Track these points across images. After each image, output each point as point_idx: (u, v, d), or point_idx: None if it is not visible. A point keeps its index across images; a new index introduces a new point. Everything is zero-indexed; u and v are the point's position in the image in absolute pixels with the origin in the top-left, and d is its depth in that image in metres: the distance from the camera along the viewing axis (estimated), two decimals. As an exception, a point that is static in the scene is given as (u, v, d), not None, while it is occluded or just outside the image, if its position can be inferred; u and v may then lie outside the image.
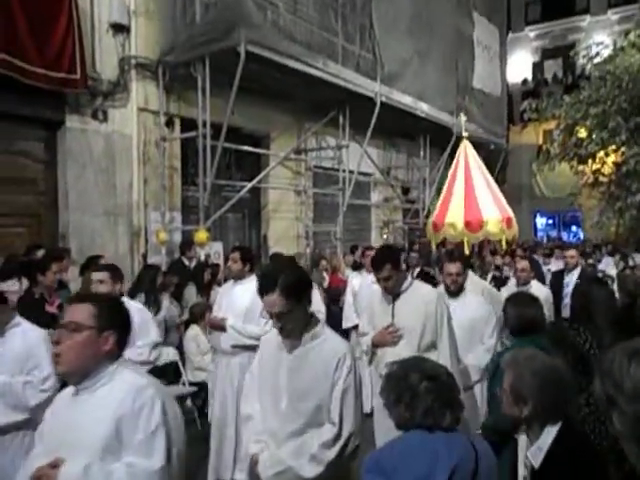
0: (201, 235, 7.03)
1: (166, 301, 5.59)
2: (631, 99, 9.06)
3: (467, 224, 6.19)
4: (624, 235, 11.51)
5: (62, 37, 5.97)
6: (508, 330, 3.16)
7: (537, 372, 1.86)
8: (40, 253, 5.08)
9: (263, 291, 2.24)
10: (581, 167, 10.51)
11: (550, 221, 20.06)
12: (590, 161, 10.24)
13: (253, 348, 3.86)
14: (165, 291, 5.66)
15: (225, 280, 5.52)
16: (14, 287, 4.32)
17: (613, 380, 1.13)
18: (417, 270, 7.64)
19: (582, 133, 10.05)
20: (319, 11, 8.64)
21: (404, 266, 6.98)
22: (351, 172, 9.86)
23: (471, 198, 6.37)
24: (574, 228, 19.32)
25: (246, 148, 8.27)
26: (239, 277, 4.25)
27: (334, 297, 7.05)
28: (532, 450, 1.88)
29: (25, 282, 4.31)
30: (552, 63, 18.65)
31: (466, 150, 6.89)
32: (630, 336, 2.69)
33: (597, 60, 9.97)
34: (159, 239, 7.21)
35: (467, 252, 6.38)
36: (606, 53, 10.01)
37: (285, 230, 9.56)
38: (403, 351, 3.13)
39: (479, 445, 1.79)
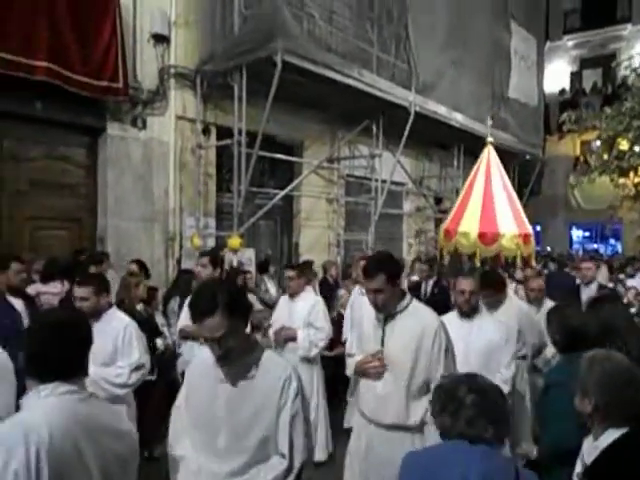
0: (234, 241, 7.12)
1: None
2: (675, 111, 8.81)
3: (481, 236, 5.80)
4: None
5: (105, 47, 6.16)
6: (554, 347, 3.02)
7: (605, 370, 1.88)
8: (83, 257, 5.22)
9: (201, 315, 1.89)
10: (622, 180, 10.24)
11: (587, 233, 19.57)
12: (632, 174, 9.97)
13: None
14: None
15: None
16: (55, 289, 4.46)
17: None
18: (431, 282, 7.20)
19: (624, 145, 9.79)
20: (355, 21, 8.69)
21: (406, 283, 6.63)
22: (384, 181, 9.83)
23: (488, 208, 5.98)
24: (612, 241, 18.80)
25: (280, 156, 8.35)
26: None
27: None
28: (589, 447, 1.89)
29: (67, 284, 4.43)
30: (591, 73, 18.27)
31: (489, 156, 6.48)
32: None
33: None
34: (193, 244, 7.32)
35: (479, 264, 6.00)
36: (649, 64, 9.77)
37: (317, 238, 9.58)
38: (386, 390, 2.72)
39: (524, 473, 1.74)
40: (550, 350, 4.23)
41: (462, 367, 3.03)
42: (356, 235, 10.21)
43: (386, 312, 2.76)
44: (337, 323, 5.70)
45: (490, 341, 3.40)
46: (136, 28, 6.79)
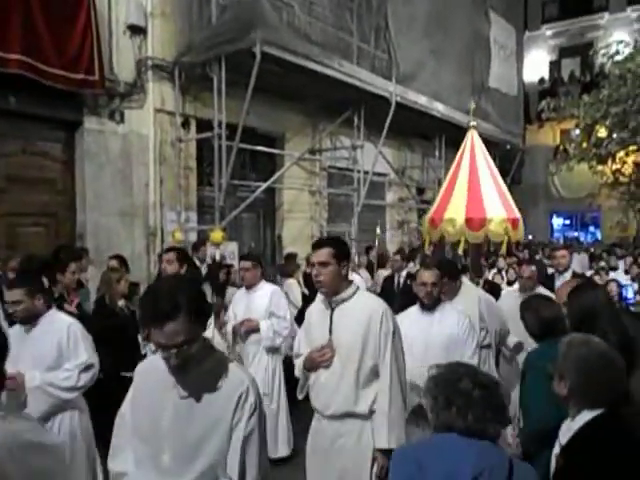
0: (217, 235, 7.07)
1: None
2: (652, 98, 8.93)
3: (468, 221, 5.56)
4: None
5: (80, 39, 6.04)
6: (529, 335, 3.08)
7: (580, 354, 1.91)
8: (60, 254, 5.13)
9: (161, 319, 1.67)
10: (600, 167, 10.36)
11: (567, 222, 19.83)
12: (610, 161, 10.09)
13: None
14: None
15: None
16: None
17: None
18: (404, 273, 7.19)
19: (602, 133, 9.90)
20: (334, 11, 8.63)
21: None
22: (366, 172, 9.83)
23: (475, 192, 5.74)
24: (592, 229, 19.07)
25: (261, 148, 8.29)
26: None
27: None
28: (564, 428, 1.92)
29: (45, 282, 4.35)
30: (569, 62, 18.43)
31: (473, 140, 6.22)
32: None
33: (618, 58, 9.80)
34: (175, 239, 7.25)
35: (461, 252, 5.86)
36: (627, 51, 9.83)
37: (300, 230, 9.57)
38: (336, 378, 2.68)
39: (517, 463, 1.73)
40: (513, 338, 4.31)
41: (423, 361, 3.00)
42: (339, 227, 10.20)
43: (331, 294, 2.70)
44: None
45: (451, 334, 3.33)
46: (111, 19, 6.66)
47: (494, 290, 5.60)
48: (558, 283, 5.49)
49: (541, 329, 2.83)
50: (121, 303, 4.81)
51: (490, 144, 13.56)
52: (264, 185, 8.11)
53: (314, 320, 2.86)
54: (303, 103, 9.00)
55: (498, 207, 5.71)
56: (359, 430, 2.69)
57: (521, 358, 4.34)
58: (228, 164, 7.13)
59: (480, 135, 12.29)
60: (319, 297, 2.85)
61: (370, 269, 8.26)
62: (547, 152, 17.53)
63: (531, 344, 4.43)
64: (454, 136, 11.83)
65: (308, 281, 7.07)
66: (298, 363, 2.93)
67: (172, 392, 1.78)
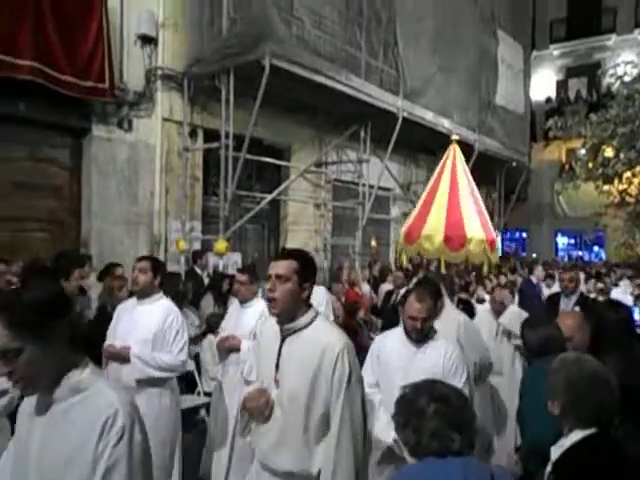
0: (220, 245, 7.06)
1: (187, 310, 5.60)
2: (660, 119, 8.94)
3: (447, 240, 5.17)
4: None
5: (91, 47, 6.10)
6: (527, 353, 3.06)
7: (572, 373, 1.89)
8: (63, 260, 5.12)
9: None
10: (607, 187, 10.35)
11: (572, 241, 19.78)
12: (616, 181, 10.08)
13: (162, 383, 3.43)
14: (184, 299, 5.66)
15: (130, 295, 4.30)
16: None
17: None
18: (402, 291, 7.01)
19: (609, 152, 9.90)
20: (344, 26, 8.70)
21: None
22: (371, 186, 9.84)
23: (455, 209, 5.40)
24: (596, 248, 19.00)
25: (267, 160, 8.32)
26: (146, 293, 3.51)
27: (351, 311, 6.99)
28: (557, 446, 1.90)
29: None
30: (576, 81, 18.52)
31: (455, 154, 5.91)
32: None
33: (626, 79, 9.85)
34: (179, 248, 7.25)
35: (443, 271, 5.45)
36: (635, 72, 9.88)
37: (304, 242, 9.54)
38: (280, 428, 2.20)
39: (499, 476, 1.72)
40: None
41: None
42: (343, 240, 10.19)
43: (284, 319, 2.24)
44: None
45: (434, 371, 2.84)
46: (123, 29, 6.73)
47: (468, 310, 5.31)
48: (563, 305, 5.32)
49: (540, 347, 2.81)
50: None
51: (496, 161, 13.64)
52: (269, 197, 8.12)
53: (263, 345, 2.40)
54: (310, 116, 9.05)
55: (477, 227, 5.40)
56: None
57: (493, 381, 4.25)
58: (234, 175, 7.15)
59: (486, 152, 12.44)
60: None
61: (373, 283, 8.23)
62: (553, 170, 17.53)
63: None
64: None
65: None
66: (243, 395, 2.45)
67: (37, 415, 1.56)
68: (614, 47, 17.65)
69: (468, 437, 1.68)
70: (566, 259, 16.88)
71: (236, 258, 7.90)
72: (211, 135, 7.57)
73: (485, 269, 5.65)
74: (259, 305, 4.20)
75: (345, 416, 2.15)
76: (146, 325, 3.42)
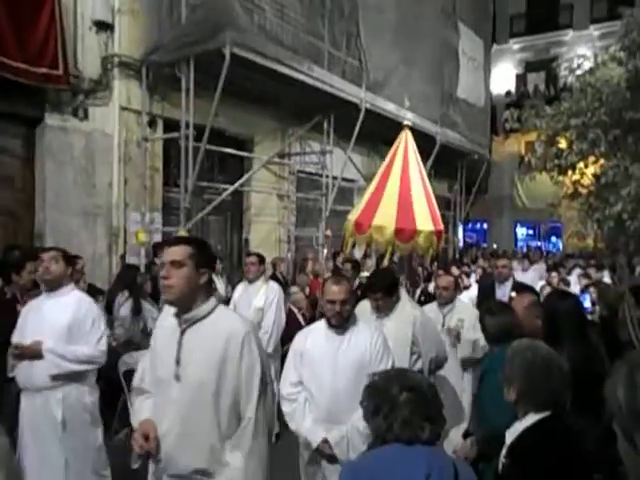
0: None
1: (146, 303, 5.50)
2: (611, 112, 9.19)
3: (398, 232, 5.09)
4: (602, 246, 11.68)
5: (44, 32, 5.87)
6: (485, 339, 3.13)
7: (525, 358, 1.94)
8: (16, 253, 4.95)
9: None
10: (561, 178, 10.64)
11: (531, 231, 20.33)
12: (570, 172, 10.37)
13: (79, 378, 3.28)
14: (141, 292, 5.54)
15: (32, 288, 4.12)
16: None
17: None
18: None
19: (562, 144, 10.18)
20: (306, 16, 8.64)
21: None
22: (334, 178, 9.86)
23: (406, 200, 5.28)
24: (554, 239, 19.59)
25: (229, 151, 8.21)
26: (57, 284, 3.32)
27: (315, 302, 7.01)
28: (511, 430, 1.95)
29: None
30: (535, 76, 18.96)
31: (407, 141, 5.72)
32: (612, 350, 2.69)
33: (578, 72, 10.12)
34: (138, 240, 7.10)
35: (386, 263, 5.40)
36: (587, 66, 10.17)
37: (267, 234, 9.51)
38: (186, 426, 2.08)
39: (460, 465, 1.77)
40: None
41: (331, 388, 2.75)
42: (307, 231, 10.19)
43: (182, 309, 2.13)
44: (288, 320, 5.66)
45: (362, 356, 2.78)
46: (77, 14, 6.50)
47: (432, 301, 5.19)
48: (499, 292, 5.43)
49: (499, 333, 2.88)
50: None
51: (457, 153, 13.87)
52: (232, 188, 8.04)
53: (160, 342, 2.23)
54: (273, 107, 8.98)
55: (427, 219, 5.32)
56: None
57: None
58: (195, 165, 7.04)
59: (448, 144, 12.62)
60: (172, 310, 2.21)
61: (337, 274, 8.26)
62: (512, 163, 17.94)
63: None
64: (422, 144, 12.00)
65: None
66: (137, 407, 2.26)
67: None
68: (571, 42, 18.14)
69: (437, 427, 1.71)
70: (525, 249, 17.33)
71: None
72: (171, 125, 7.42)
73: (428, 260, 5.68)
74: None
75: (260, 405, 2.11)
76: (58, 319, 3.23)
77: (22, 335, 3.25)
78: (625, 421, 1.11)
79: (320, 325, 2.99)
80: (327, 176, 9.85)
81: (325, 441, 2.75)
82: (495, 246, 17.73)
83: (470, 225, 19.59)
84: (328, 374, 2.78)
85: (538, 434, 1.87)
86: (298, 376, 2.91)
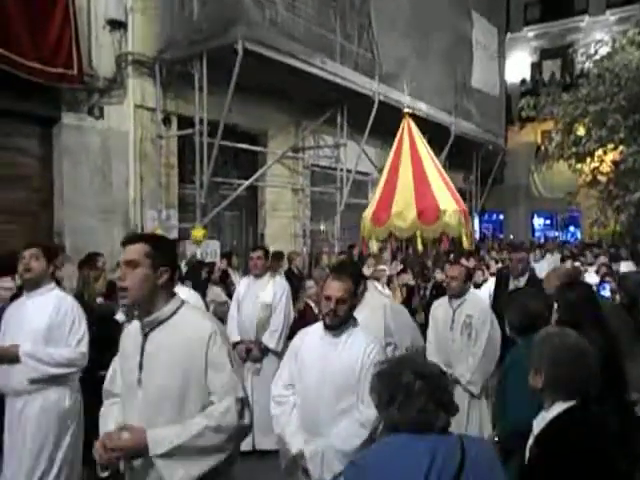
0: (197, 232, 7.00)
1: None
2: (630, 97, 9.00)
3: (420, 214, 4.80)
4: (622, 234, 11.48)
5: (58, 32, 5.93)
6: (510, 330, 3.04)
7: (555, 346, 1.92)
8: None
9: None
10: (579, 166, 10.46)
11: (548, 221, 20.07)
12: (588, 159, 10.19)
13: (60, 381, 3.13)
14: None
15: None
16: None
17: None
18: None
19: (580, 131, 10.00)
20: (317, 9, 8.60)
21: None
22: (349, 171, 9.82)
23: (422, 182, 4.99)
24: (572, 228, 19.33)
25: (243, 146, 8.23)
26: (37, 283, 3.16)
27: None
28: (538, 419, 1.92)
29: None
30: (550, 63, 18.66)
31: (410, 127, 5.58)
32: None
33: (596, 58, 9.92)
34: (155, 237, 7.16)
35: (420, 249, 5.15)
36: (605, 51, 9.97)
37: (282, 228, 9.52)
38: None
39: (471, 445, 1.69)
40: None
41: (317, 395, 2.53)
42: (321, 225, 10.18)
43: (141, 311, 2.01)
44: (304, 314, 5.65)
45: (352, 368, 2.52)
46: (91, 13, 6.55)
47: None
48: (512, 286, 5.10)
49: (524, 323, 2.81)
50: (99, 300, 4.71)
51: (472, 144, 13.72)
52: (246, 183, 8.05)
53: (127, 346, 2.11)
54: (286, 101, 8.96)
55: (449, 198, 5.02)
56: None
57: None
58: (209, 161, 7.07)
59: (463, 135, 12.49)
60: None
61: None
62: (529, 153, 17.71)
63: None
64: (437, 135, 11.91)
65: (290, 280, 7.03)
66: (104, 412, 2.17)
67: None
68: (586, 28, 17.80)
69: (449, 415, 1.68)
70: (542, 240, 17.13)
71: (214, 246, 7.83)
72: (185, 122, 7.45)
73: (465, 242, 5.25)
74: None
75: (232, 406, 1.96)
76: (37, 320, 3.08)
77: (3, 337, 3.12)
78: None
79: (316, 327, 2.77)
80: (341, 169, 9.82)
81: (301, 453, 2.53)
82: (512, 237, 17.55)
83: (486, 216, 19.41)
84: (315, 379, 2.56)
85: (566, 423, 1.84)
86: (291, 378, 2.71)
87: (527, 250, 7.24)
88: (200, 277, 6.53)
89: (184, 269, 6.88)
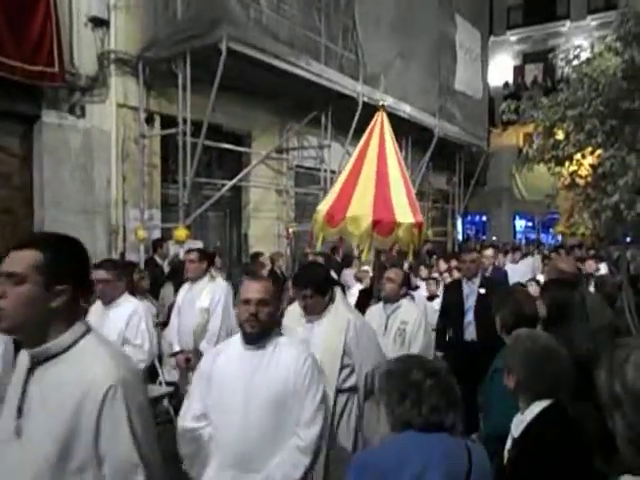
0: (180, 233, 6.97)
1: (145, 300, 5.48)
2: (607, 102, 9.12)
3: (376, 224, 4.55)
4: (600, 235, 11.64)
5: (39, 30, 5.86)
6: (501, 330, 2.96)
7: (527, 348, 1.97)
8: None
9: None
10: (558, 169, 10.58)
11: (529, 223, 20.32)
12: (567, 163, 10.31)
13: None
14: (137, 289, 5.48)
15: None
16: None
17: (622, 381, 1.10)
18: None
19: (559, 135, 10.14)
20: (302, 10, 8.61)
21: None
22: (333, 172, 9.84)
23: (384, 188, 4.73)
24: (552, 230, 19.59)
25: (227, 146, 8.21)
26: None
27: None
28: (516, 420, 1.97)
29: None
30: (533, 67, 18.88)
31: (382, 122, 5.19)
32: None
33: (575, 63, 10.07)
34: (138, 237, 7.12)
35: (364, 259, 5.03)
36: (584, 56, 10.12)
37: (266, 229, 9.52)
38: None
39: (475, 449, 1.72)
40: None
41: (242, 418, 2.16)
42: (306, 226, 10.18)
43: (28, 342, 1.51)
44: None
45: (284, 387, 2.21)
46: (72, 11, 6.49)
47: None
48: (466, 288, 5.02)
49: (514, 325, 2.76)
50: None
51: (455, 146, 13.85)
52: (230, 183, 8.04)
53: (15, 377, 1.59)
54: (270, 101, 8.96)
55: (407, 210, 4.81)
56: None
57: None
58: (193, 161, 7.04)
59: (446, 137, 12.59)
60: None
61: (337, 269, 8.26)
62: (511, 155, 17.85)
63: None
64: (420, 137, 12.02)
65: (272, 281, 7.02)
66: None
67: None
68: (568, 33, 18.07)
69: (458, 415, 1.67)
70: (524, 241, 17.34)
71: (197, 246, 7.79)
72: (169, 121, 7.41)
73: (410, 257, 5.11)
74: (126, 305, 3.88)
75: None
76: None
77: None
78: (605, 403, 1.14)
79: (235, 340, 2.38)
80: (325, 170, 9.84)
81: None
82: (494, 238, 17.73)
83: (469, 217, 19.59)
84: (238, 404, 2.18)
85: (543, 425, 1.88)
86: (203, 407, 2.30)
87: (499, 251, 7.19)
88: (182, 278, 6.49)
89: (166, 269, 6.86)
